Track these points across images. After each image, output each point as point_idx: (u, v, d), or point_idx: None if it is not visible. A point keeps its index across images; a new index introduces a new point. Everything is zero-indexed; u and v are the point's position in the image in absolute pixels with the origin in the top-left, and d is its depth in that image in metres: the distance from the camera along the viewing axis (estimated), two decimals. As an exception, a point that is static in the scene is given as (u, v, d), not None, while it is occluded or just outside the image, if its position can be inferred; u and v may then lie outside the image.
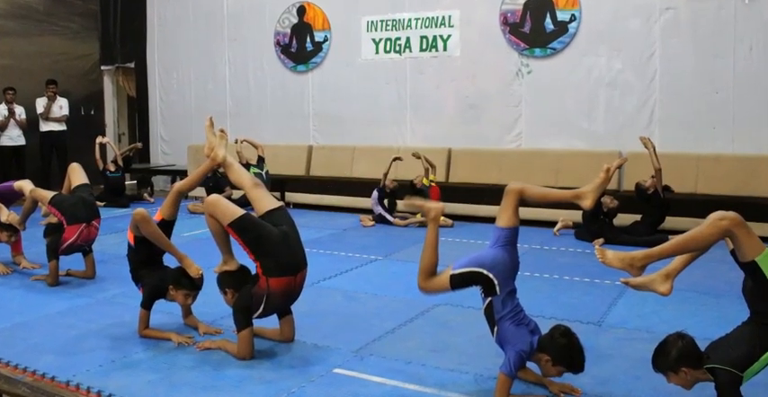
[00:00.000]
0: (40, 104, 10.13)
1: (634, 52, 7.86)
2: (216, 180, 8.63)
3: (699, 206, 6.37)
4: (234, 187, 5.50)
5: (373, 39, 9.44)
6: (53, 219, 5.55)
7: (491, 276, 3.11)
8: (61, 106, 10.27)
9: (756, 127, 7.33)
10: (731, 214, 2.67)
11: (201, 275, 3.93)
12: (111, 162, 9.85)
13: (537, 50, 8.39)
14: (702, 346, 2.83)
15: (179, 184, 4.32)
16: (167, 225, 4.16)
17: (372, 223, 8.04)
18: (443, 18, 8.92)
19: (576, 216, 6.98)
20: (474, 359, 3.63)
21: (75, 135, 10.44)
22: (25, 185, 5.61)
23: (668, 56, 7.69)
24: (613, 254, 2.91)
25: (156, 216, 4.15)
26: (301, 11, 10.02)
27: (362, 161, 9.38)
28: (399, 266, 5.92)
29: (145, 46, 11.61)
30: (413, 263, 3.62)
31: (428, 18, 9.01)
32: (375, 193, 8.11)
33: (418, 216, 7.61)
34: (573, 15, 8.15)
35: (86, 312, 4.59)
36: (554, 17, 8.26)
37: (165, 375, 3.47)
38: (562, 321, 3.92)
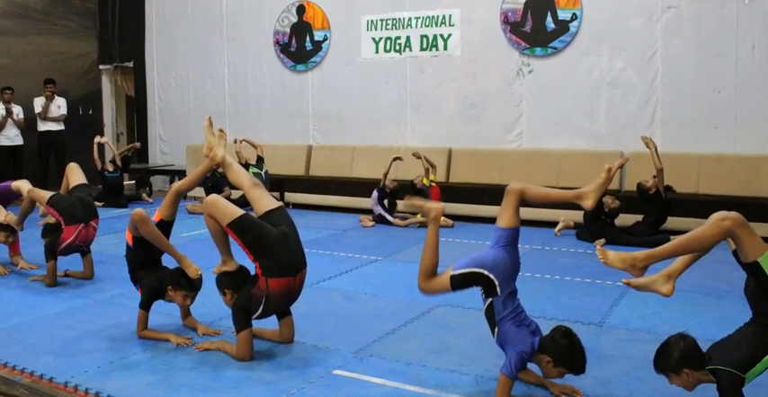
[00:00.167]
0: (38, 104, 10.12)
1: (636, 51, 7.84)
2: (215, 180, 8.61)
3: (700, 206, 6.37)
4: (233, 187, 5.50)
5: (373, 39, 9.42)
6: (51, 219, 5.54)
7: (492, 276, 3.10)
8: (59, 105, 10.26)
9: (759, 127, 7.31)
10: (733, 214, 2.66)
11: (200, 275, 3.92)
12: (110, 161, 9.82)
13: (538, 49, 8.37)
14: (704, 347, 2.82)
15: (177, 184, 4.31)
16: (166, 226, 4.14)
17: (372, 223, 8.02)
18: (444, 17, 8.90)
19: (578, 216, 6.96)
20: (475, 360, 3.61)
21: (74, 134, 10.43)
22: (23, 185, 5.59)
23: (670, 55, 7.67)
24: (615, 255, 2.89)
25: (155, 217, 4.13)
26: (301, 10, 10.00)
27: (362, 161, 9.36)
28: (399, 266, 5.90)
29: (143, 45, 11.59)
30: (413, 264, 3.61)
31: (428, 17, 8.99)
32: (375, 193, 8.09)
33: (418, 216, 7.59)
34: (574, 14, 8.13)
35: (84, 312, 4.58)
36: (555, 16, 8.24)
37: (164, 377, 3.45)
38: (563, 321, 3.92)
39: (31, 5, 10.97)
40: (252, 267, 3.70)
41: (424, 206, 3.42)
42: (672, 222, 6.80)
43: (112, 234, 7.05)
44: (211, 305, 4.27)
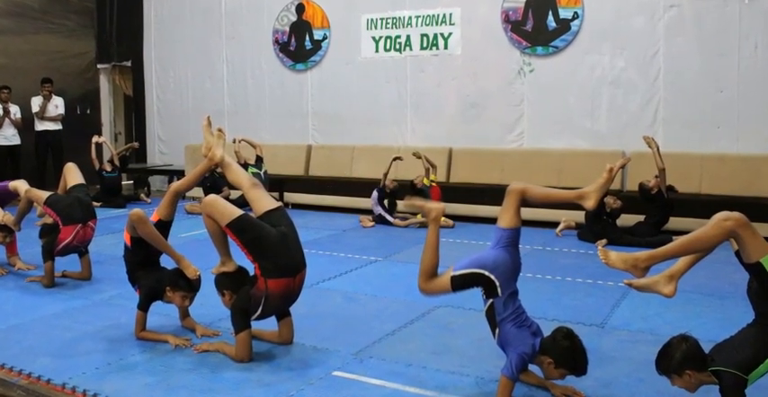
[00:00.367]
0: (36, 103, 10.11)
1: (638, 50, 7.81)
2: (214, 181, 8.59)
3: (703, 206, 6.35)
4: (232, 187, 5.47)
5: (373, 38, 9.39)
6: (49, 220, 5.51)
7: (492, 277, 3.08)
8: (57, 105, 10.24)
9: (761, 127, 7.29)
10: (736, 214, 2.64)
11: (199, 276, 3.90)
12: (108, 161, 9.81)
13: (539, 48, 8.35)
14: (707, 348, 2.80)
15: (176, 184, 4.29)
16: (164, 226, 4.12)
17: (372, 223, 7.99)
18: (444, 16, 8.87)
19: (579, 216, 6.94)
20: (475, 362, 3.59)
21: (71, 134, 10.41)
22: (20, 185, 5.57)
23: (672, 54, 7.65)
24: (616, 255, 2.87)
25: (153, 217, 4.11)
26: (300, 8, 9.98)
27: (362, 161, 9.34)
28: (399, 267, 5.88)
29: (141, 44, 11.56)
30: (413, 264, 3.59)
31: (429, 16, 8.96)
32: (375, 193, 8.06)
33: (419, 216, 7.57)
34: (575, 13, 8.11)
35: (82, 313, 4.56)
36: (556, 15, 8.21)
37: (162, 378, 3.43)
38: (564, 323, 3.89)
39: (28, 4, 10.94)
40: (251, 267, 3.68)
41: (424, 206, 3.41)
42: (674, 222, 6.78)
43: (110, 235, 7.03)
44: (210, 306, 4.25)
